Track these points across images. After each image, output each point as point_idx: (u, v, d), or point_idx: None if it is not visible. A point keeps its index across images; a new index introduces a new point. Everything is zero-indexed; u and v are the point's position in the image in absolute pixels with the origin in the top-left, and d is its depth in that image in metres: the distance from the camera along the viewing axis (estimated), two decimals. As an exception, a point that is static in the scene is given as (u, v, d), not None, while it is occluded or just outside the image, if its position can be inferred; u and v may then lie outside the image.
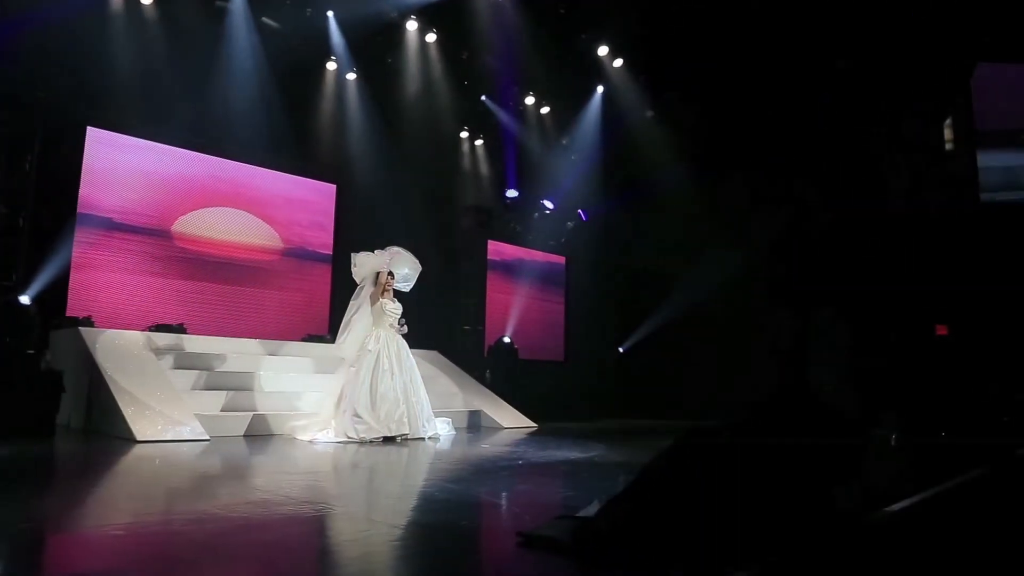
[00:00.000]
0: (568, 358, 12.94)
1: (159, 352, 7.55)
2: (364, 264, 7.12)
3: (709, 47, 10.33)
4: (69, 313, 8.62)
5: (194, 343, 8.12)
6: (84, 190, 9.03)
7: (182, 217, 9.79)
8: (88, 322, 8.13)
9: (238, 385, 7.49)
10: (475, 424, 8.79)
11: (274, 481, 4.39)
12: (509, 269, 12.51)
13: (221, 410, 7.04)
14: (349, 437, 6.49)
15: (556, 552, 2.58)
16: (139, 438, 5.97)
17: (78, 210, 8.95)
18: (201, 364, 7.70)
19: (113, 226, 9.18)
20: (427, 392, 9.02)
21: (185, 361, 7.65)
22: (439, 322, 10.86)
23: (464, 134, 12.26)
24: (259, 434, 6.86)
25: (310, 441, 6.49)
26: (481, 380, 10.09)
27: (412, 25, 10.85)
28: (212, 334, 9.10)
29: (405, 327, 7.18)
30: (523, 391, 10.23)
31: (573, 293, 13.27)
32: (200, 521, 3.00)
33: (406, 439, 6.69)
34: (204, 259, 9.85)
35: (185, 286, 9.63)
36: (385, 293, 7.09)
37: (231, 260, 10.10)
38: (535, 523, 2.89)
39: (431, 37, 11.03)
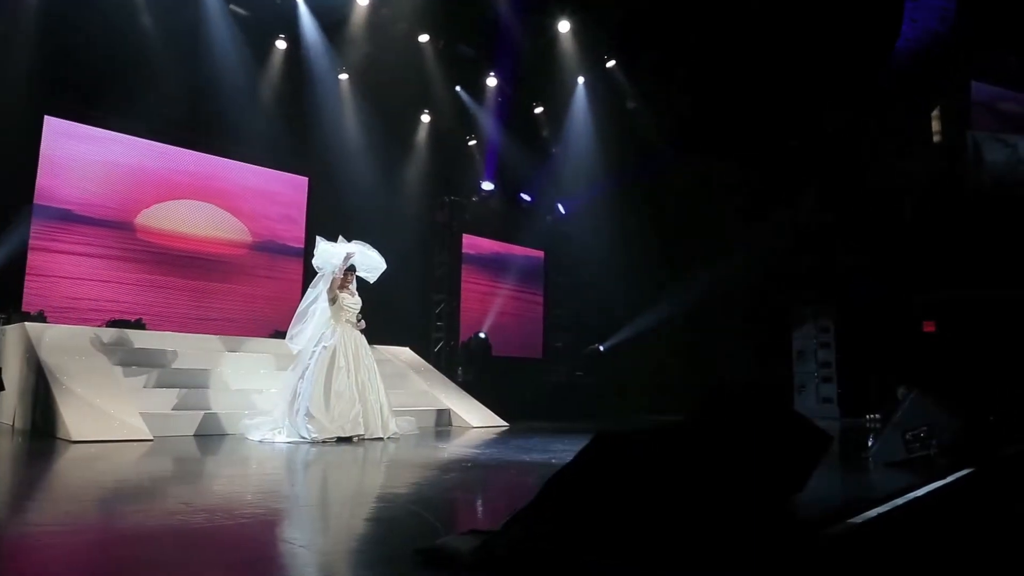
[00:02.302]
0: (547, 355, 12.64)
1: (111, 348, 7.25)
2: (326, 253, 6.80)
3: (694, 36, 10.03)
4: (25, 307, 8.35)
5: (149, 339, 7.82)
6: (42, 181, 8.74)
7: (145, 210, 9.50)
8: (40, 317, 7.83)
9: (192, 383, 7.19)
10: (444, 423, 8.49)
11: (178, 487, 4.11)
12: (485, 264, 12.21)
13: (172, 408, 6.73)
14: (302, 437, 6.20)
15: (455, 570, 2.30)
16: (74, 438, 5.68)
17: (35, 201, 8.66)
18: (155, 361, 7.39)
19: (72, 218, 8.90)
20: (395, 390, 8.77)
21: (138, 358, 7.34)
22: (412, 318, 10.58)
23: (440, 126, 11.94)
24: (210, 433, 6.57)
25: (260, 441, 6.20)
26: (454, 377, 9.80)
27: (386, 14, 10.56)
28: (175, 330, 8.82)
29: (363, 323, 6.88)
30: (498, 389, 9.94)
31: (552, 289, 12.97)
32: (78, 532, 2.72)
33: (362, 439, 6.40)
34: (168, 253, 9.56)
35: (148, 280, 9.34)
36: (344, 288, 6.77)
37: (197, 254, 9.81)
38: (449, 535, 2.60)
39: (405, 26, 10.73)
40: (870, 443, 6.31)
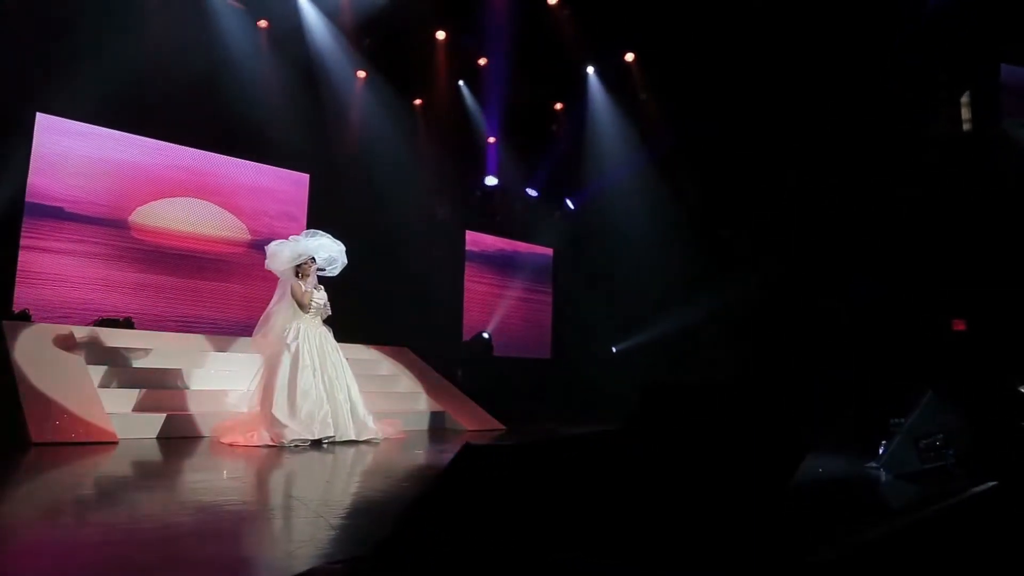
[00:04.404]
0: (555, 356, 12.24)
1: (90, 348, 7.05)
2: (278, 254, 6.51)
3: (698, 20, 9.59)
4: (17, 307, 8.23)
5: (132, 338, 7.62)
6: (34, 179, 8.61)
7: (140, 208, 9.34)
8: (24, 316, 7.70)
9: (170, 383, 6.97)
10: (437, 426, 8.17)
11: (101, 494, 3.84)
12: (490, 261, 11.86)
13: (145, 410, 6.49)
14: (271, 441, 5.91)
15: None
16: (35, 439, 5.48)
17: (27, 199, 8.54)
18: (134, 361, 7.18)
19: (65, 216, 8.76)
20: (389, 391, 8.49)
21: (116, 358, 7.13)
22: (412, 317, 10.27)
23: (442, 120, 11.63)
24: (183, 436, 6.32)
25: (230, 445, 5.94)
26: (453, 379, 9.46)
27: (388, 6, 10.28)
28: (169, 330, 8.65)
29: (327, 302, 6.56)
30: (501, 390, 9.60)
31: (561, 287, 12.56)
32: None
33: (332, 442, 6.09)
34: (163, 251, 9.39)
35: (142, 280, 9.17)
36: (306, 280, 6.48)
37: (193, 252, 9.63)
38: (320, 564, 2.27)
39: (408, 18, 10.44)
40: (881, 451, 5.83)
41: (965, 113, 9.81)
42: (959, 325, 9.84)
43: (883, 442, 5.88)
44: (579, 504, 1.68)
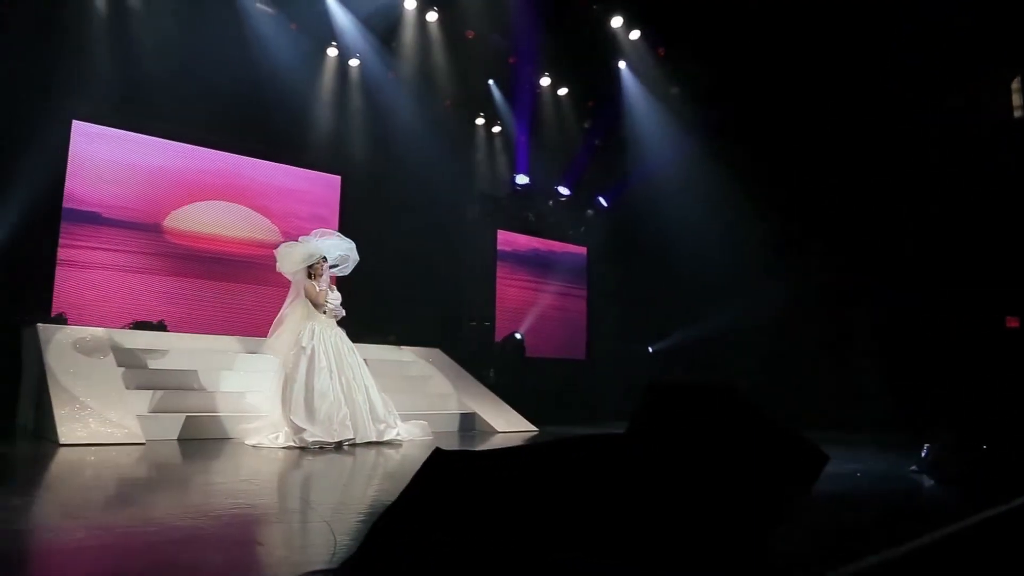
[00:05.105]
0: (590, 357, 12.04)
1: (121, 350, 7.13)
2: (289, 256, 6.47)
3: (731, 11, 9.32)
4: (54, 310, 8.39)
5: (163, 340, 7.68)
6: (70, 185, 8.77)
7: (174, 212, 9.45)
8: (60, 319, 7.82)
9: (198, 385, 7.02)
10: (467, 427, 8.08)
11: (113, 497, 3.81)
12: (523, 261, 11.73)
13: (172, 411, 6.53)
14: (293, 443, 5.88)
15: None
16: (63, 441, 5.54)
17: (64, 205, 8.70)
18: (163, 363, 7.25)
19: (101, 221, 8.90)
20: (419, 392, 8.43)
21: (146, 360, 7.20)
22: (444, 318, 10.20)
23: (473, 120, 11.54)
24: (210, 437, 6.35)
25: (254, 446, 5.93)
26: (485, 380, 9.36)
27: (415, 5, 10.26)
28: (202, 332, 8.71)
29: (340, 307, 6.52)
30: (534, 391, 9.47)
31: (596, 286, 12.35)
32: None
33: (353, 444, 6.03)
34: (197, 254, 9.49)
35: (176, 283, 9.28)
36: (319, 280, 6.44)
37: (226, 255, 9.71)
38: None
39: (434, 16, 10.40)
40: (923, 454, 5.54)
41: (1017, 99, 9.37)
42: (1012, 322, 9.41)
43: (926, 445, 5.59)
44: (549, 509, 1.55)
